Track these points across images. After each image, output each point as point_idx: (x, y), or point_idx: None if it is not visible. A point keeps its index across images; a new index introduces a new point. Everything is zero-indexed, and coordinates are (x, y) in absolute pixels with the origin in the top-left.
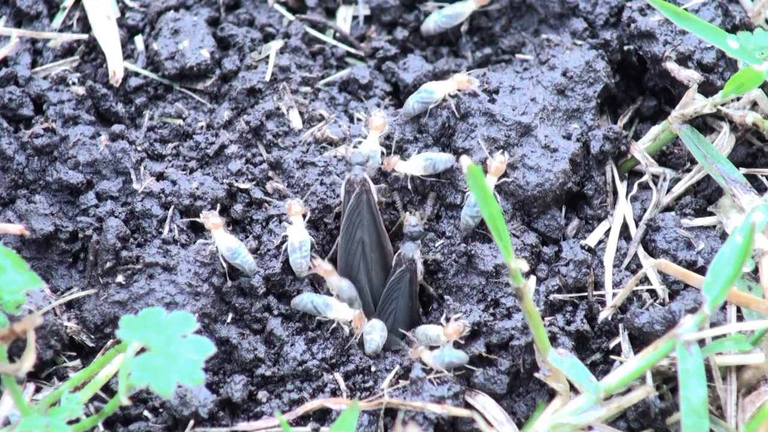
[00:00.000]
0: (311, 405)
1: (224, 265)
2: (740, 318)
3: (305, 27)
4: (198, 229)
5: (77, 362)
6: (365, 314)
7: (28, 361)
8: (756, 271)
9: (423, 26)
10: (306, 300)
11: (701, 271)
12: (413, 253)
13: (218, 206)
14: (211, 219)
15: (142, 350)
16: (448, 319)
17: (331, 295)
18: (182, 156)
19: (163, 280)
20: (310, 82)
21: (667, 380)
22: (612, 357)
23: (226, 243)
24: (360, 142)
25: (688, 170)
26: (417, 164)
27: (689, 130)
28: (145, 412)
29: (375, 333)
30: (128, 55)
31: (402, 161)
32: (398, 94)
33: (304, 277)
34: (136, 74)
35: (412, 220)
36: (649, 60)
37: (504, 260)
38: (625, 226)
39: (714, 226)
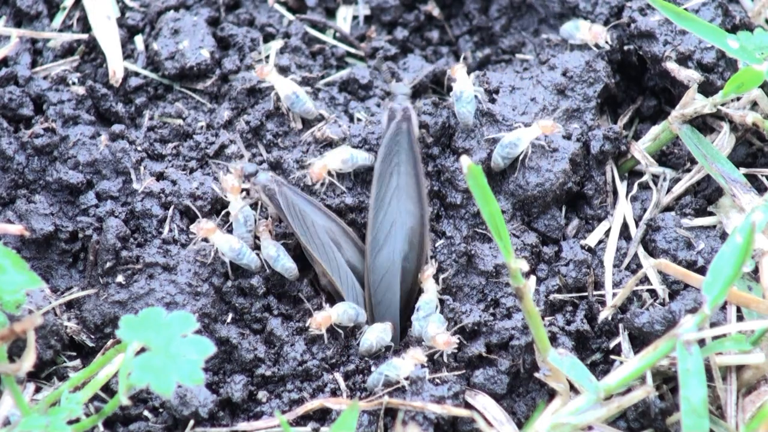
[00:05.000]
0: (311, 405)
1: (227, 262)
2: (740, 318)
3: (305, 27)
4: None
5: (77, 362)
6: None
7: (28, 361)
8: (756, 271)
9: (492, 164)
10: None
11: (701, 271)
12: (405, 102)
13: (198, 211)
14: (205, 227)
15: (142, 350)
16: (449, 320)
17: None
18: (182, 156)
19: (163, 280)
20: (310, 82)
21: (667, 380)
22: (612, 357)
23: (228, 244)
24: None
25: (688, 170)
26: (336, 159)
27: (689, 130)
28: (145, 412)
29: (371, 334)
30: (128, 55)
31: (320, 163)
32: None
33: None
34: (136, 74)
35: (399, 83)
36: (649, 60)
37: (504, 260)
38: (625, 226)
39: (714, 226)
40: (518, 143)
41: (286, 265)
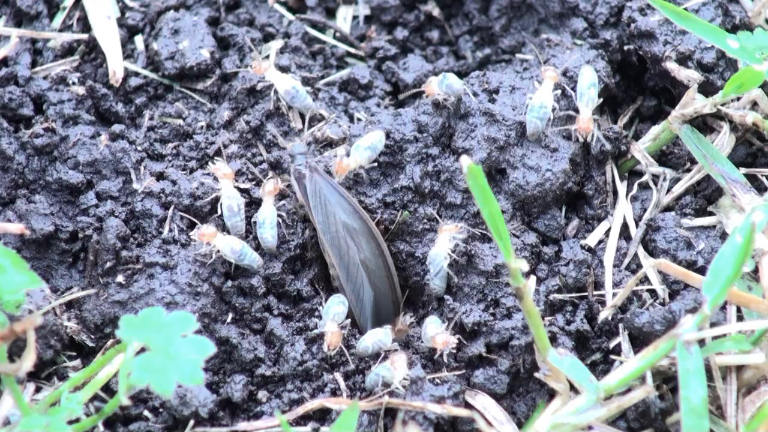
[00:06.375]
0: (311, 405)
1: (232, 260)
2: (740, 318)
3: (305, 27)
4: None
5: (77, 362)
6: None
7: (28, 361)
8: (756, 271)
9: (530, 130)
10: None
11: (701, 271)
12: (303, 159)
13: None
14: (206, 232)
15: (142, 350)
16: (449, 320)
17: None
18: (182, 156)
19: (163, 280)
20: (310, 82)
21: (667, 380)
22: (612, 357)
23: (230, 246)
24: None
25: (688, 170)
26: (360, 157)
27: (689, 130)
28: (145, 412)
29: (369, 337)
30: (128, 55)
31: (347, 159)
32: (398, 93)
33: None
34: (136, 74)
35: (293, 143)
36: (649, 60)
37: (504, 260)
38: (625, 226)
39: (714, 226)
40: (547, 104)
41: (263, 235)
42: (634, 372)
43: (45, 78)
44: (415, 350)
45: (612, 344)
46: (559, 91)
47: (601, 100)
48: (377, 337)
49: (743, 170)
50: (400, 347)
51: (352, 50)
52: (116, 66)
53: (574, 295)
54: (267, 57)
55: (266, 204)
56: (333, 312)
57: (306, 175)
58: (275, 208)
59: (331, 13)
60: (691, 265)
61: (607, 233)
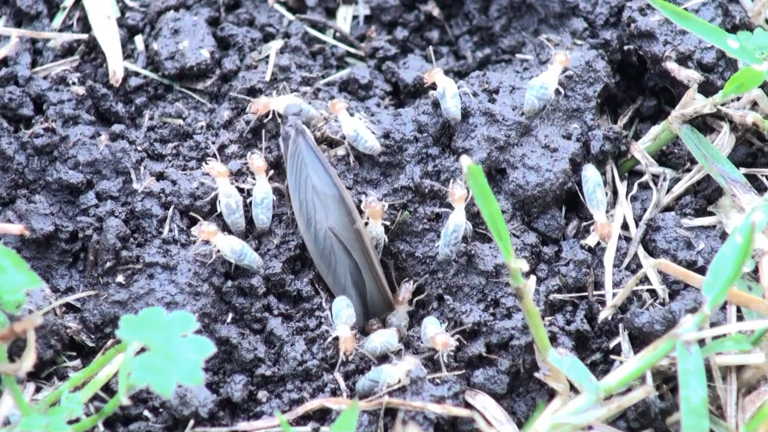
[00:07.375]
0: (311, 405)
1: (232, 260)
2: (740, 318)
3: (305, 27)
4: None
5: (77, 362)
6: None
7: (28, 361)
8: (756, 271)
9: (526, 107)
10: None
11: (701, 271)
12: (293, 120)
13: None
14: (207, 230)
15: (142, 350)
16: (449, 320)
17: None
18: (182, 156)
19: (163, 280)
20: (310, 82)
21: (667, 380)
22: (612, 357)
23: (230, 246)
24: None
25: (688, 170)
26: (350, 126)
27: (689, 130)
28: (145, 412)
29: (377, 337)
30: (128, 55)
31: (345, 113)
32: (398, 93)
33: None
34: (136, 74)
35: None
36: (649, 60)
37: (504, 260)
38: (625, 226)
39: (714, 226)
40: (548, 86)
41: (259, 215)
42: (634, 372)
43: (45, 78)
44: (415, 350)
45: (612, 344)
46: (564, 76)
47: (603, 99)
48: (385, 338)
49: (743, 170)
50: (404, 349)
51: (352, 50)
52: (116, 66)
53: (574, 295)
54: (267, 58)
55: (261, 181)
56: (345, 315)
57: (291, 135)
58: (269, 185)
59: (331, 13)
60: (691, 265)
61: None
